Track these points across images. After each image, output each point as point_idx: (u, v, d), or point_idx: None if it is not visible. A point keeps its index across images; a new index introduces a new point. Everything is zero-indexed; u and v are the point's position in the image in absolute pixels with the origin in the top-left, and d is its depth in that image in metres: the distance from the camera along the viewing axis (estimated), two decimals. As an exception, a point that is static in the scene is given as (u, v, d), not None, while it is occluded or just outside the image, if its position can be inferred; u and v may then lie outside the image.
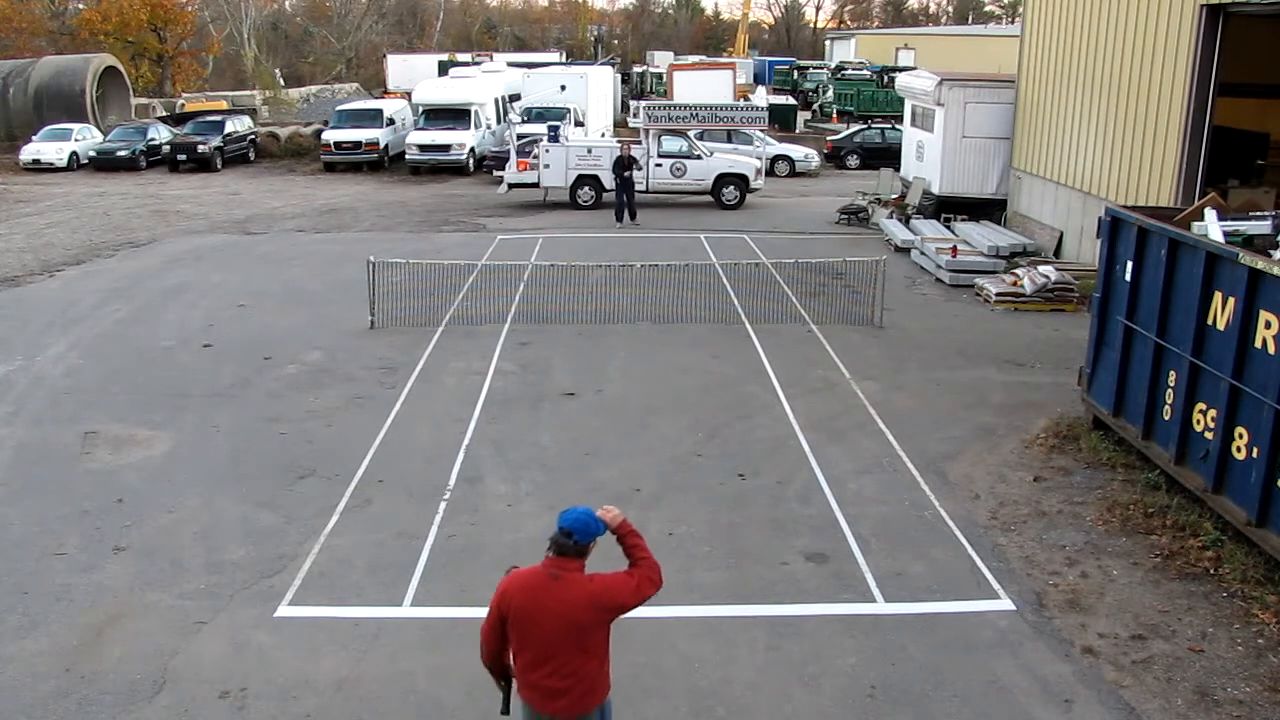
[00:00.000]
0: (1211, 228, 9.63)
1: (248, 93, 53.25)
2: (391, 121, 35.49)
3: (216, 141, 35.08)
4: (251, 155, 37.17)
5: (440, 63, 50.11)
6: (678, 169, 26.50)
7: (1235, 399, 8.42)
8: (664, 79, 49.19)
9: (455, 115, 33.44)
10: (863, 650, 7.24)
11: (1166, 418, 9.52)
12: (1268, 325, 8.03)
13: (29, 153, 34.88)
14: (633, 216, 24.30)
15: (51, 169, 34.49)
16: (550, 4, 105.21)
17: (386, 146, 34.43)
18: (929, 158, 23.58)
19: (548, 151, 26.26)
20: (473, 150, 33.08)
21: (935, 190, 23.01)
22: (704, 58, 68.40)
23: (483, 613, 7.57)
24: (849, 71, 58.84)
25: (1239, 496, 8.39)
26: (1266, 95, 18.69)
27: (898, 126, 32.51)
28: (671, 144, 26.70)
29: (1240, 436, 8.39)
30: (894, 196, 24.78)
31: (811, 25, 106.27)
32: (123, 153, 34.79)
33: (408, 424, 11.48)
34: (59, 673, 6.95)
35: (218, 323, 15.63)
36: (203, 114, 39.81)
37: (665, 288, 16.25)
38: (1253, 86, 18.16)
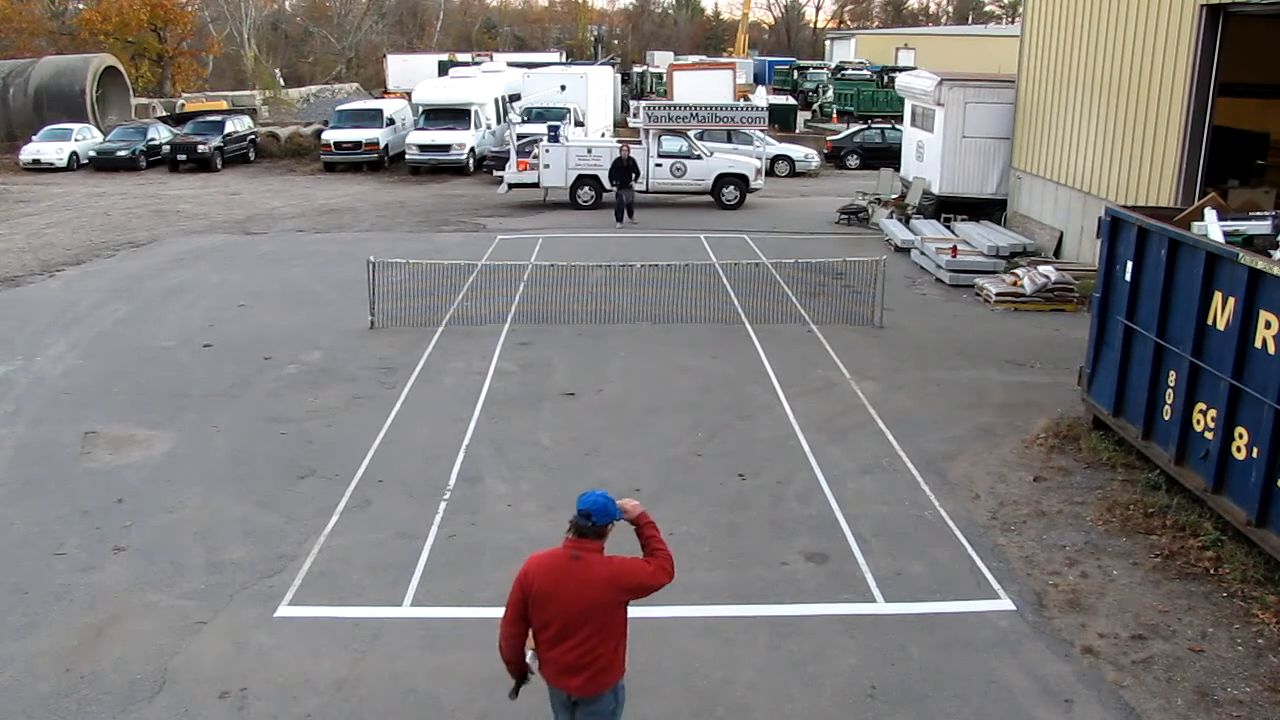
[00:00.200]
0: (1211, 228, 9.63)
1: (248, 93, 53.26)
2: (391, 121, 35.49)
3: (216, 141, 35.08)
4: (251, 155, 37.16)
5: (440, 63, 50.10)
6: (678, 169, 26.50)
7: (1235, 399, 8.42)
8: (664, 79, 49.19)
9: (455, 115, 33.43)
10: (863, 650, 7.24)
11: (1166, 418, 9.52)
12: (1268, 325, 8.03)
13: (29, 153, 34.88)
14: (630, 215, 24.31)
15: (51, 169, 34.49)
16: (550, 4, 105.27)
17: (386, 146, 34.43)
18: (929, 158, 23.58)
19: (548, 151, 26.26)
20: (473, 150, 33.08)
21: (935, 190, 23.01)
22: (704, 58, 68.41)
23: (483, 613, 7.64)
24: (849, 71, 58.87)
25: (1239, 496, 8.39)
26: (1266, 95, 18.70)
27: (898, 126, 32.51)
28: (671, 144, 26.70)
29: (1240, 436, 8.39)
30: (894, 196, 24.78)
31: (811, 25, 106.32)
32: (123, 153, 34.80)
33: (408, 424, 11.48)
34: (59, 673, 6.95)
35: (218, 323, 15.63)
36: (203, 114, 39.81)
37: (665, 288, 16.25)
38: (1253, 86, 18.16)
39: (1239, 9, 14.70)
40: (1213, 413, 8.75)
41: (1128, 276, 10.25)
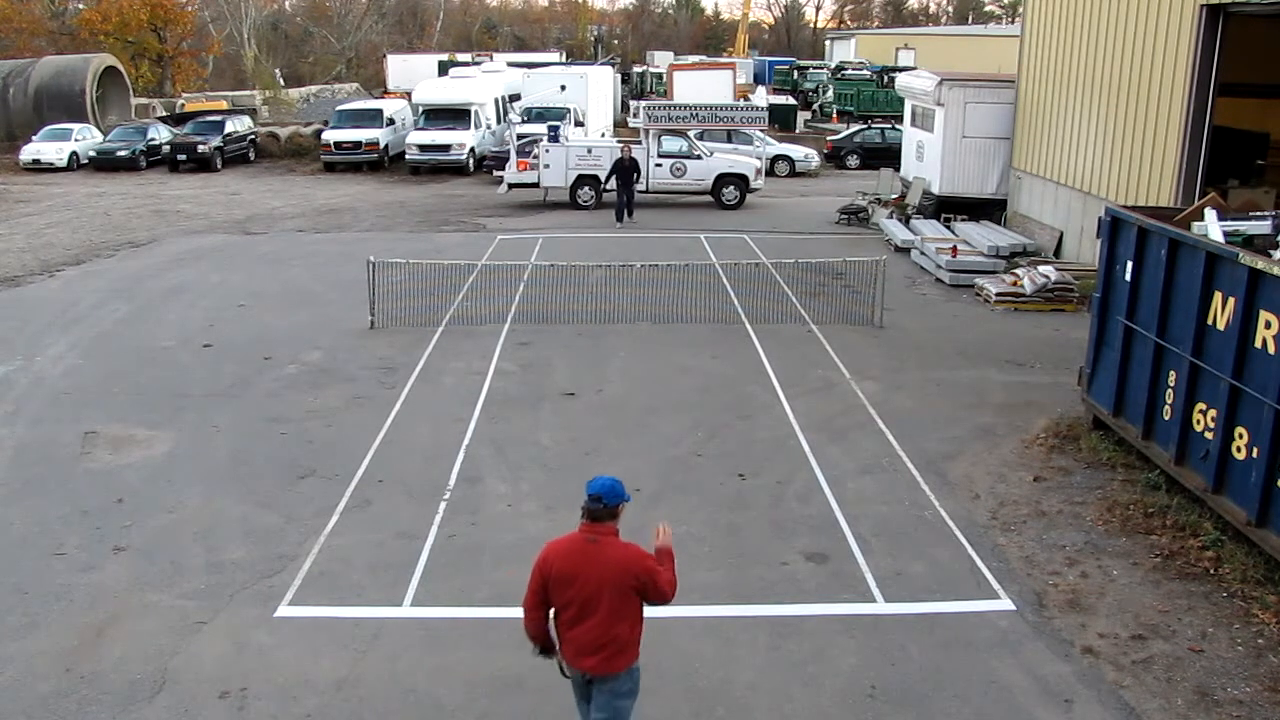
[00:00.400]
0: (1211, 228, 9.63)
1: (248, 93, 53.25)
2: (391, 121, 35.48)
3: (216, 141, 35.08)
4: (251, 155, 37.16)
5: (440, 63, 50.10)
6: (678, 169, 26.50)
7: (1235, 399, 8.42)
8: (664, 79, 49.18)
9: (455, 115, 33.43)
10: (863, 650, 7.24)
11: (1166, 418, 9.52)
12: (1268, 325, 8.03)
13: (29, 153, 34.87)
14: (630, 215, 24.32)
15: (51, 169, 34.49)
16: (550, 4, 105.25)
17: (386, 146, 34.43)
18: (929, 158, 23.58)
19: (548, 151, 26.26)
20: (473, 150, 33.08)
21: (935, 190, 23.01)
22: (704, 58, 68.40)
23: (483, 612, 7.66)
24: (849, 71, 58.85)
25: (1239, 496, 8.39)
26: (1266, 95, 18.69)
27: (898, 126, 32.51)
28: (671, 144, 26.70)
29: (1240, 436, 8.39)
30: (894, 196, 24.78)
31: (811, 25, 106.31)
32: (123, 153, 34.79)
33: (408, 424, 11.48)
34: (59, 673, 6.95)
35: (218, 323, 15.63)
36: (203, 114, 39.80)
37: (665, 288, 16.25)
38: (1253, 86, 18.16)
39: (1239, 9, 14.70)
40: (1213, 413, 8.75)
41: (1128, 276, 10.25)
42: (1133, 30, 16.99)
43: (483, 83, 36.85)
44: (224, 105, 45.25)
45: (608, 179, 24.91)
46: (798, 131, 45.90)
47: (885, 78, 50.92)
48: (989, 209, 22.66)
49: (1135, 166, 16.89)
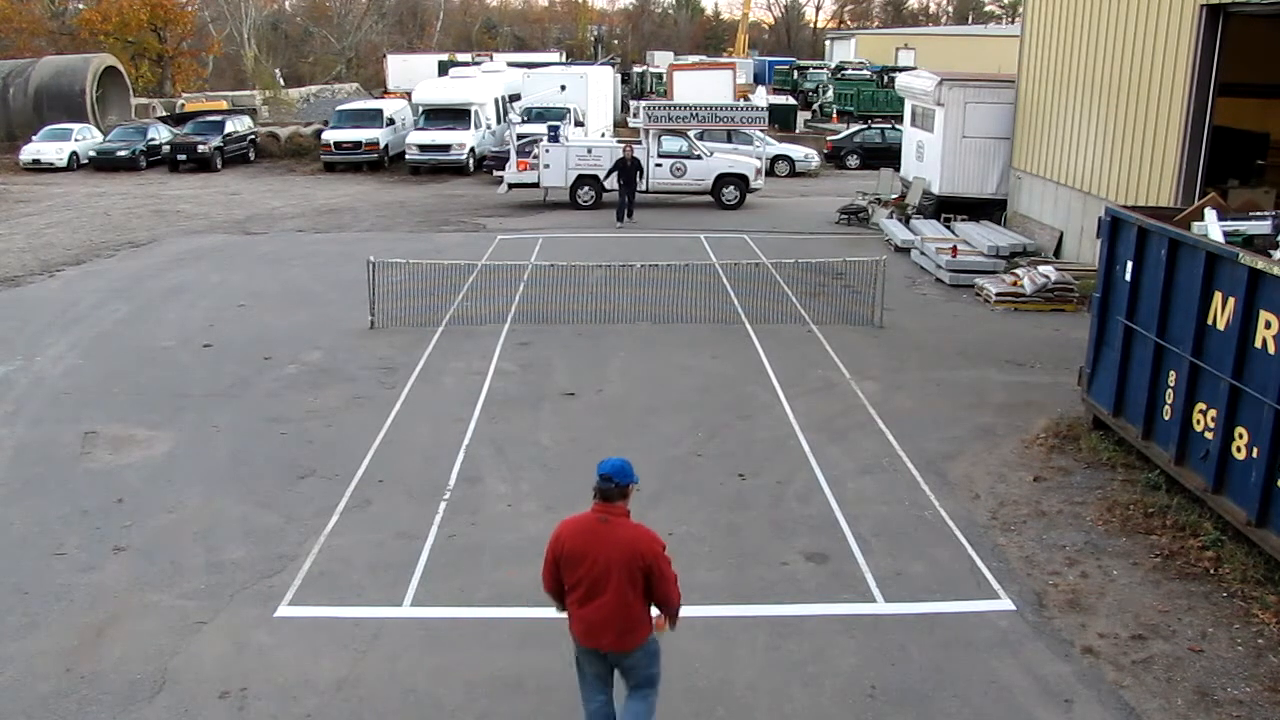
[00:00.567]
0: (1211, 228, 9.63)
1: (248, 93, 53.25)
2: (391, 121, 35.48)
3: (216, 141, 35.08)
4: (251, 155, 37.16)
5: (440, 63, 50.10)
6: (678, 169, 26.50)
7: (1235, 399, 8.42)
8: (664, 79, 49.18)
9: (455, 115, 33.43)
10: (863, 650, 7.24)
11: (1166, 418, 9.52)
12: (1268, 325, 8.03)
13: (29, 153, 34.87)
14: (630, 215, 24.33)
15: (51, 169, 34.49)
16: (550, 4, 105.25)
17: (386, 146, 34.43)
18: (929, 158, 23.58)
19: (548, 151, 26.26)
20: (473, 150, 33.08)
21: (935, 190, 23.01)
22: (704, 58, 68.40)
23: (483, 612, 7.66)
24: (849, 71, 58.85)
25: (1239, 496, 8.39)
26: (1266, 95, 18.69)
27: (898, 126, 32.51)
28: (671, 144, 26.70)
29: (1240, 436, 8.39)
30: (894, 196, 24.78)
31: (811, 25, 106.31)
32: (123, 153, 34.79)
33: (408, 424, 11.48)
34: (59, 673, 6.95)
35: (218, 323, 15.63)
36: (203, 114, 39.81)
37: (665, 288, 16.25)
38: (1253, 86, 18.16)
39: (1239, 9, 14.70)
40: (1213, 413, 8.75)
41: (1128, 276, 10.25)
42: (1133, 30, 16.99)
43: (483, 83, 36.85)
44: (224, 105, 45.25)
45: (608, 176, 24.90)
46: (798, 131, 45.90)
47: (885, 78, 50.92)
48: (989, 209, 22.66)
49: (1135, 166, 16.89)
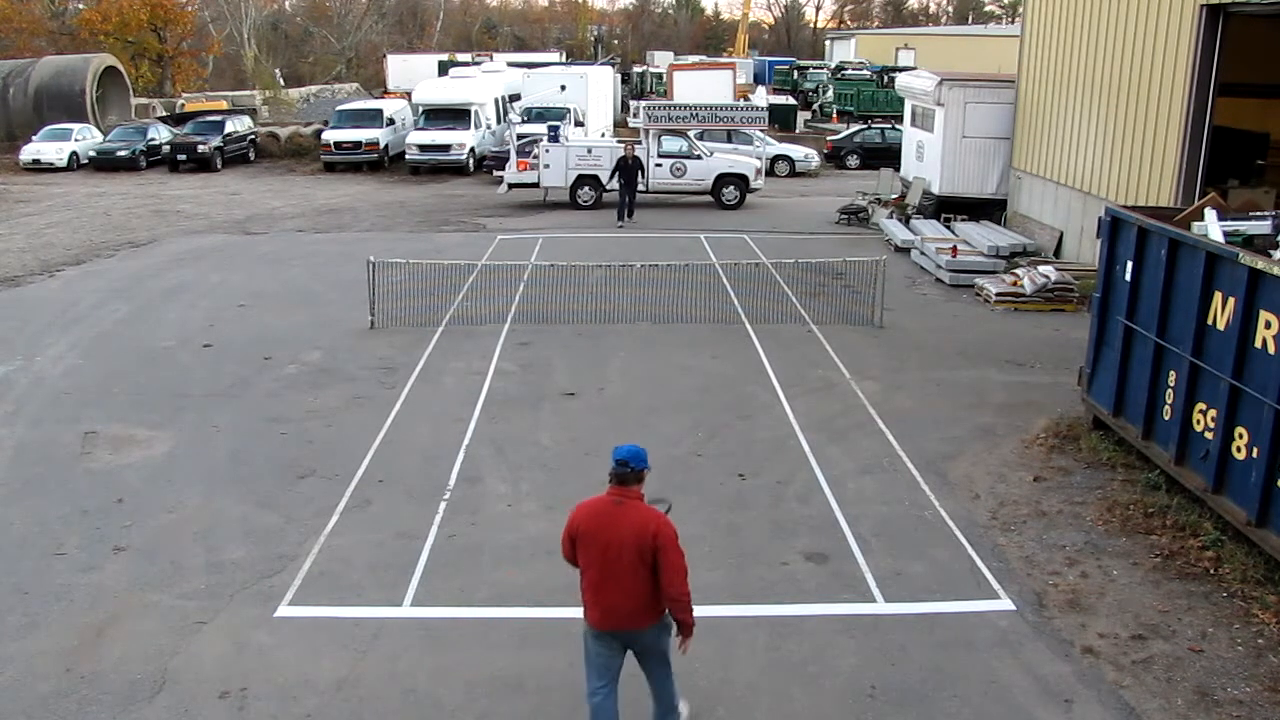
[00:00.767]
0: (1211, 228, 9.63)
1: (248, 93, 53.25)
2: (391, 121, 35.48)
3: (216, 141, 35.08)
4: (251, 155, 37.16)
5: (440, 63, 50.11)
6: (678, 169, 26.50)
7: (1235, 399, 8.42)
8: (664, 79, 49.18)
9: (455, 115, 33.43)
10: (863, 650, 7.24)
11: (1166, 418, 9.52)
12: (1268, 325, 8.03)
13: (29, 153, 34.87)
14: (630, 215, 24.33)
15: (51, 169, 34.49)
16: (550, 4, 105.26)
17: (386, 146, 34.43)
18: (929, 158, 23.58)
19: (548, 151, 26.26)
20: (473, 150, 33.08)
21: (935, 190, 23.01)
22: (704, 58, 68.40)
23: (483, 612, 7.67)
24: (849, 71, 58.85)
25: (1239, 496, 8.39)
26: (1266, 95, 18.69)
27: (898, 126, 32.51)
28: (671, 144, 26.70)
29: (1240, 436, 8.39)
30: (894, 196, 24.78)
31: (811, 25, 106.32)
32: (123, 153, 34.79)
33: (408, 424, 11.48)
34: (59, 673, 6.95)
35: (218, 323, 15.63)
36: (203, 114, 39.80)
37: (665, 288, 16.25)
38: (1253, 86, 18.15)
39: (1239, 9, 14.70)
40: (1213, 413, 8.75)
41: (1128, 276, 10.25)
42: (1133, 30, 16.99)
43: (483, 83, 36.85)
44: (224, 105, 45.25)
45: (611, 177, 24.89)
46: (798, 131, 45.90)
47: (885, 78, 50.91)
48: (989, 209, 22.66)
49: (1135, 166, 16.89)
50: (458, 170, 33.00)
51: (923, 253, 19.89)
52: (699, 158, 26.73)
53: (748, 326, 15.27)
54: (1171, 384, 9.44)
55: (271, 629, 7.50)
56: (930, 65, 37.87)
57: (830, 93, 52.57)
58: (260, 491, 9.78)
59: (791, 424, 11.48)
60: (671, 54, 74.39)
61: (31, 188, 30.96)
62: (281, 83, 58.04)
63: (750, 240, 22.05)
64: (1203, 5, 14.88)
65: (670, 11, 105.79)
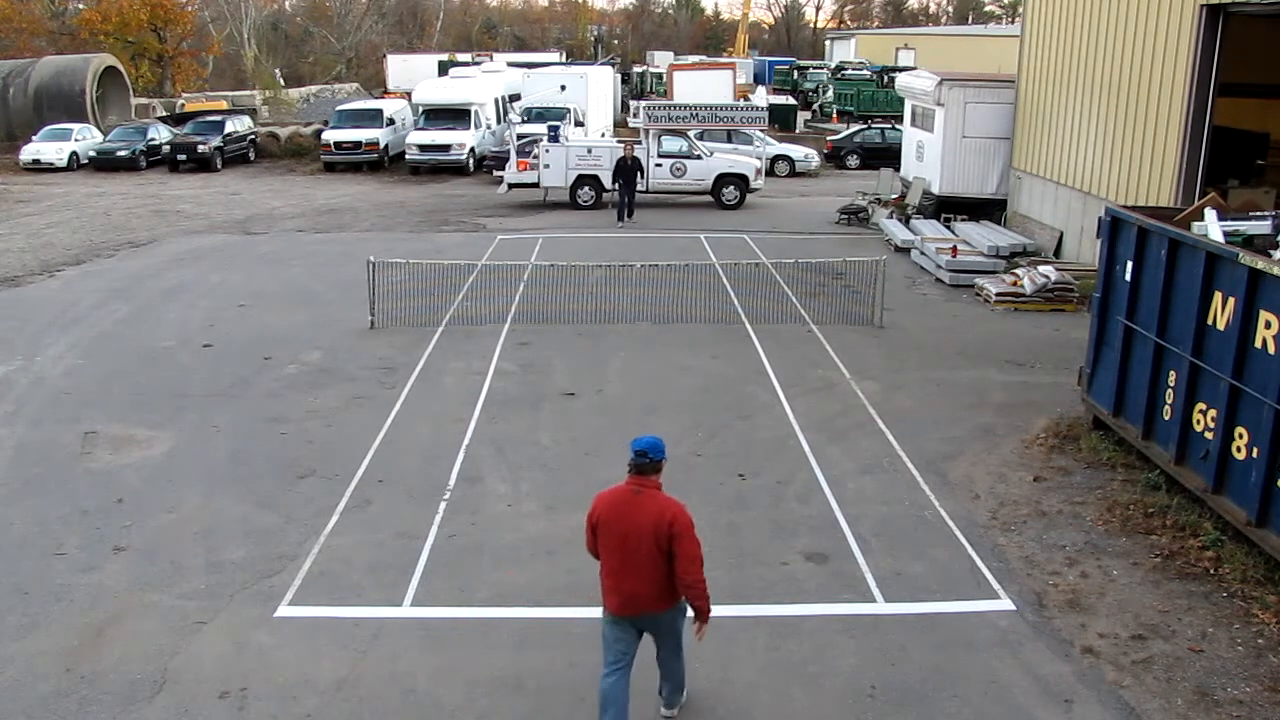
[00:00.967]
0: (1211, 228, 9.63)
1: (248, 93, 53.26)
2: (391, 121, 35.48)
3: (216, 141, 35.08)
4: (251, 155, 37.17)
5: (440, 63, 50.10)
6: (678, 169, 26.50)
7: (1235, 399, 8.42)
8: (664, 79, 49.18)
9: (455, 115, 33.43)
10: (863, 650, 7.24)
11: (1166, 418, 9.52)
12: (1268, 325, 8.03)
13: (29, 153, 34.87)
14: (630, 215, 24.34)
15: (51, 169, 34.49)
16: (550, 4, 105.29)
17: (386, 146, 34.43)
18: (929, 158, 23.58)
19: (548, 151, 26.26)
20: (473, 150, 33.08)
21: (935, 190, 23.01)
22: (704, 58, 68.39)
23: (483, 612, 7.68)
24: (849, 71, 58.85)
25: (1239, 496, 8.39)
26: (1266, 95, 18.69)
27: (898, 126, 32.51)
28: (671, 144, 26.70)
29: (1240, 436, 8.39)
30: (894, 196, 24.78)
31: (811, 25, 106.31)
32: (123, 153, 34.79)
33: (408, 424, 11.48)
34: (59, 673, 6.95)
35: (218, 323, 15.63)
36: (203, 114, 39.81)
37: (665, 288, 16.25)
38: (1253, 86, 18.15)
39: (1239, 9, 14.70)
40: (1213, 413, 8.75)
41: (1128, 276, 10.25)
42: (1133, 30, 16.99)
43: (483, 83, 36.85)
44: (224, 105, 45.25)
45: (614, 180, 24.87)
46: (798, 131, 45.90)
47: (885, 78, 50.91)
48: (989, 209, 22.66)
49: (1135, 166, 16.89)
50: (458, 170, 33.00)
51: (923, 253, 19.89)
52: (699, 158, 26.73)
53: (748, 326, 15.27)
54: (1171, 384, 9.44)
55: (271, 629, 7.50)
56: (930, 65, 37.86)
57: (830, 93, 52.58)
58: (260, 491, 9.78)
59: (791, 424, 11.48)
60: (671, 54, 74.39)
61: (31, 188, 30.97)
62: (281, 83, 58.04)
63: (750, 240, 22.05)
64: (1203, 5, 14.88)
65: (670, 11, 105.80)
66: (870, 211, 24.80)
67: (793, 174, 34.52)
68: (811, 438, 11.06)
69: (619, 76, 53.78)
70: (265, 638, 7.39)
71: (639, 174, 24.73)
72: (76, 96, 39.48)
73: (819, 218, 25.41)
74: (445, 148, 32.69)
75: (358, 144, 34.03)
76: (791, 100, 50.63)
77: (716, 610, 7.73)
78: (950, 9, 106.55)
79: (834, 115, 49.89)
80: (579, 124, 32.25)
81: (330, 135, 34.56)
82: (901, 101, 27.97)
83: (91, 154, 35.18)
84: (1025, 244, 19.73)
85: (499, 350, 14.11)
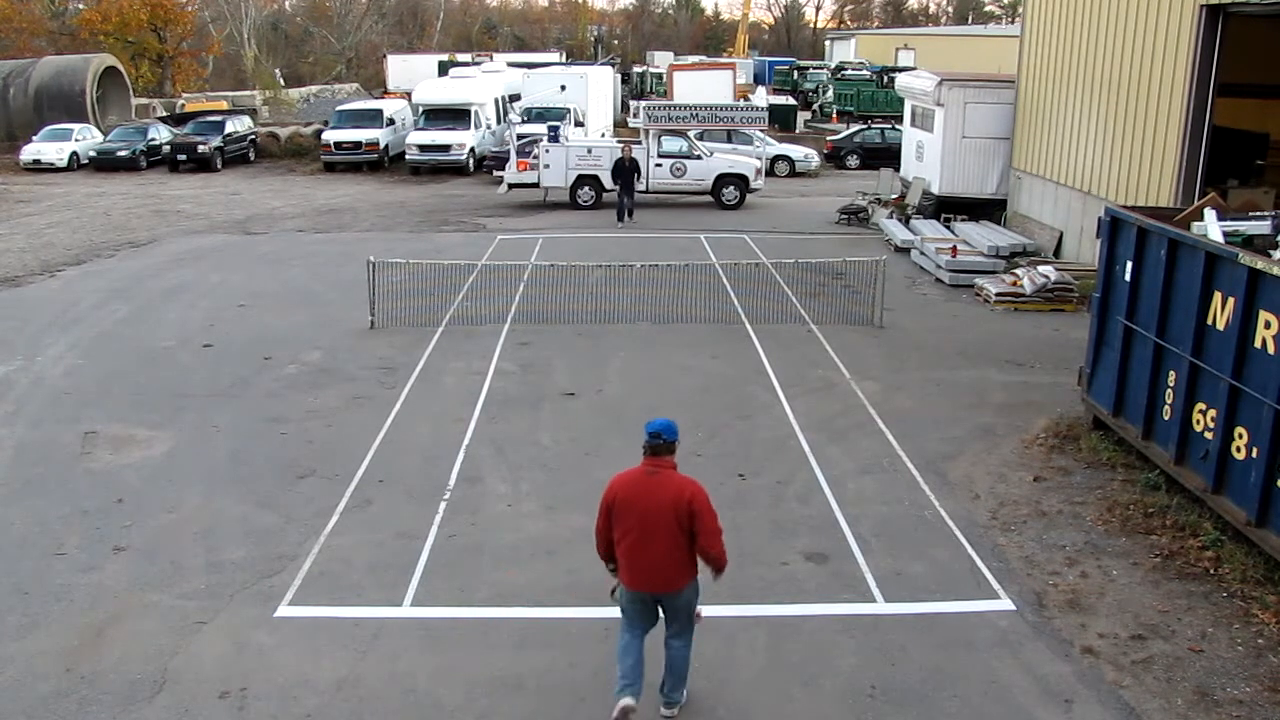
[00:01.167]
0: (1211, 228, 9.63)
1: (248, 93, 53.27)
2: (391, 121, 35.49)
3: (216, 141, 35.08)
4: (251, 155, 37.17)
5: (440, 63, 50.09)
6: (678, 169, 26.50)
7: (1235, 399, 8.42)
8: (664, 79, 49.17)
9: (455, 115, 33.44)
10: (863, 650, 7.24)
11: (1166, 418, 9.52)
12: (1267, 325, 8.03)
13: (29, 153, 34.87)
14: (630, 215, 24.34)
15: (52, 169, 34.49)
16: (550, 4, 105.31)
17: (386, 146, 34.44)
18: (929, 158, 23.58)
19: (548, 151, 26.26)
20: (473, 150, 33.08)
21: (935, 190, 23.01)
22: (704, 58, 68.40)
23: (483, 612, 7.67)
24: (849, 71, 58.83)
25: (1239, 496, 8.39)
26: (1266, 95, 18.69)
27: (898, 126, 32.51)
28: (671, 144, 26.70)
29: (1240, 436, 8.39)
30: (894, 196, 24.78)
31: (811, 25, 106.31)
32: (123, 153, 34.79)
33: (408, 424, 11.48)
34: (59, 673, 6.95)
35: (218, 323, 15.63)
36: (203, 114, 39.80)
37: (665, 288, 16.25)
38: (1253, 86, 18.16)
39: (1239, 9, 14.70)
40: (1212, 413, 8.75)
41: (1128, 276, 10.25)
42: (1132, 30, 16.99)
43: (483, 83, 36.85)
44: (224, 105, 45.25)
45: (613, 181, 24.87)
46: (798, 131, 45.90)
47: (885, 78, 50.89)
48: (989, 209, 22.66)
49: (1135, 166, 16.89)
50: (458, 170, 33.00)
51: (923, 253, 19.89)
52: (699, 158, 26.73)
53: (748, 326, 15.27)
54: (1171, 384, 9.44)
55: (271, 629, 7.50)
56: (930, 65, 37.88)
57: (830, 93, 52.57)
58: (260, 491, 9.78)
59: (791, 424, 11.48)
60: (671, 54, 74.41)
61: (32, 188, 30.97)
62: (281, 83, 58.05)
63: (750, 240, 22.05)
64: (1203, 5, 14.88)
65: (670, 12, 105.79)
66: (870, 211, 24.80)
67: (793, 174, 34.52)
68: (811, 438, 11.06)
69: (619, 77, 53.76)
70: (265, 638, 7.39)
71: (637, 175, 24.73)
72: (77, 96, 39.48)
73: (819, 218, 25.42)
74: (445, 148, 32.69)
75: (358, 144, 34.04)
76: (791, 100, 50.63)
77: (717, 610, 7.77)
78: (950, 9, 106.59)
79: (834, 115, 49.88)
80: (579, 124, 32.25)
81: (330, 135, 34.56)
82: (901, 102, 27.97)
83: (92, 154, 35.18)
84: (1025, 244, 19.73)
85: (499, 350, 14.12)
